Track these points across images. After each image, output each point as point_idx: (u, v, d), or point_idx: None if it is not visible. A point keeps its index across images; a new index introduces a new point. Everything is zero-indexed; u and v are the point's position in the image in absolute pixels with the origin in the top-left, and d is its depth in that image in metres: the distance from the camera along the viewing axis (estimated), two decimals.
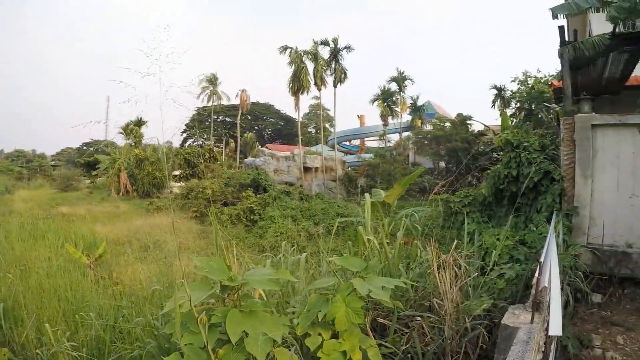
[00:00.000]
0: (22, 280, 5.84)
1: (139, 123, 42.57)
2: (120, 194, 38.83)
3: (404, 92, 45.05)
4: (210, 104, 55.50)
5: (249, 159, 47.43)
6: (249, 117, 74.53)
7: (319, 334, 2.68)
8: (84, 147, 72.88)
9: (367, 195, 5.89)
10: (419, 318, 3.64)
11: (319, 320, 2.72)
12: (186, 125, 71.21)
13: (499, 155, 11.73)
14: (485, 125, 33.27)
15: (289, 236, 20.58)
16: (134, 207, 30.66)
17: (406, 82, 44.78)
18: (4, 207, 24.39)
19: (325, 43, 42.46)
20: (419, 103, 44.65)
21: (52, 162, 72.16)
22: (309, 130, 79.12)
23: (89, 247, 12.43)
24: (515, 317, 3.15)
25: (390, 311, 3.56)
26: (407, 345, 3.38)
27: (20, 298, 5.00)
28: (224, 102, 57.50)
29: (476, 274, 4.28)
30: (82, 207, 28.98)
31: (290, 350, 2.59)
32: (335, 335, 2.76)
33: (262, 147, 56.39)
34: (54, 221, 18.19)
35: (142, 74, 3.27)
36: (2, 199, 30.16)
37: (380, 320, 3.56)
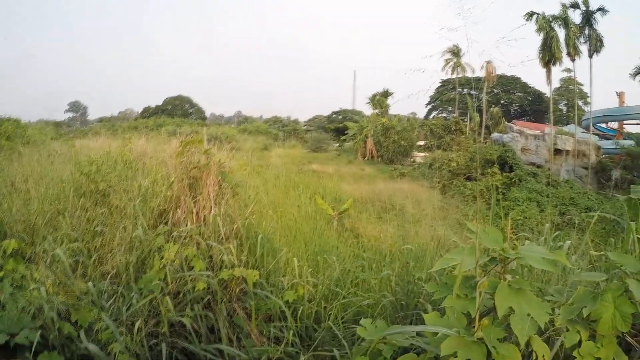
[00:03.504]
0: (276, 220, 6.51)
1: (385, 94, 44.58)
2: (366, 158, 42.18)
3: None
4: (454, 76, 53.71)
5: (496, 135, 44.74)
6: (495, 91, 69.59)
7: (577, 332, 2.34)
8: (334, 115, 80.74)
9: None
10: None
11: (580, 317, 2.39)
12: (431, 97, 71.55)
13: None
14: None
15: (533, 222, 18.90)
16: (378, 171, 32.70)
17: None
18: (263, 161, 28.71)
19: (574, 6, 36.19)
20: None
21: (305, 127, 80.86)
22: (559, 107, 69.72)
23: (335, 201, 13.50)
24: None
25: None
26: None
27: (273, 234, 5.52)
28: (468, 74, 54.75)
29: None
30: (330, 166, 32.20)
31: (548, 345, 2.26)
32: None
33: (508, 122, 52.29)
34: (305, 176, 20.46)
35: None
36: (262, 154, 35.37)
37: (628, 338, 2.83)
